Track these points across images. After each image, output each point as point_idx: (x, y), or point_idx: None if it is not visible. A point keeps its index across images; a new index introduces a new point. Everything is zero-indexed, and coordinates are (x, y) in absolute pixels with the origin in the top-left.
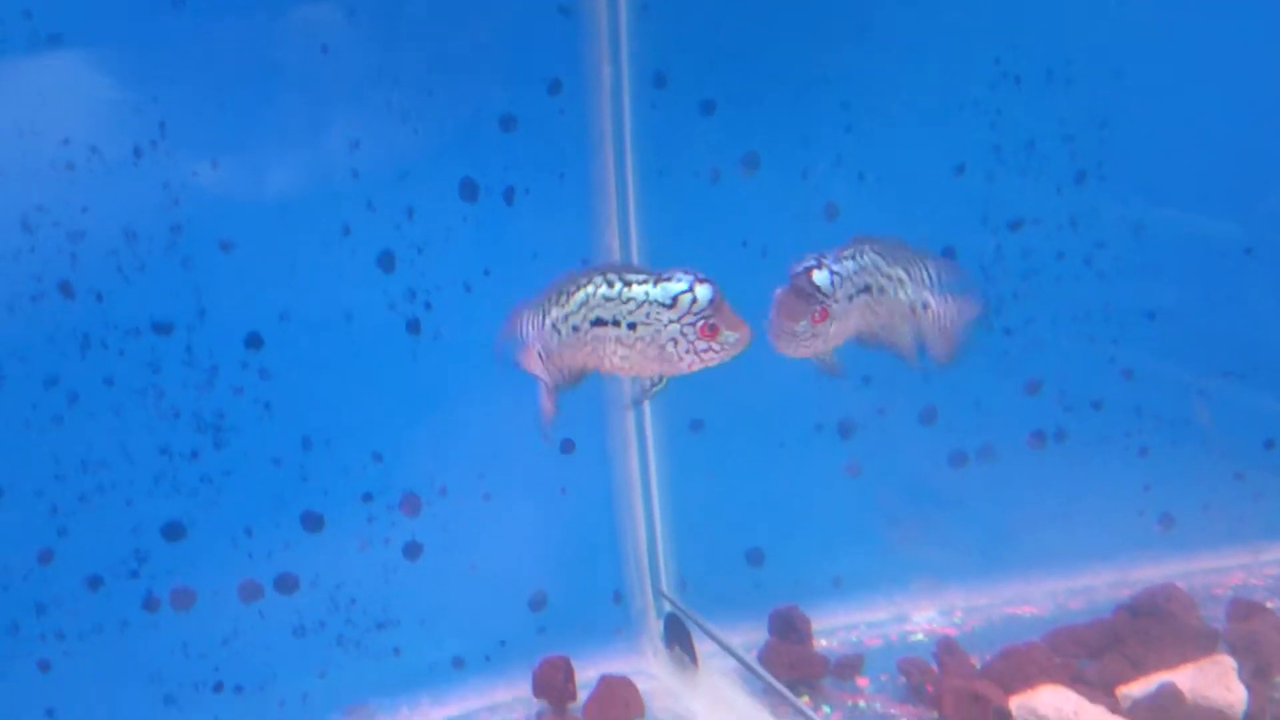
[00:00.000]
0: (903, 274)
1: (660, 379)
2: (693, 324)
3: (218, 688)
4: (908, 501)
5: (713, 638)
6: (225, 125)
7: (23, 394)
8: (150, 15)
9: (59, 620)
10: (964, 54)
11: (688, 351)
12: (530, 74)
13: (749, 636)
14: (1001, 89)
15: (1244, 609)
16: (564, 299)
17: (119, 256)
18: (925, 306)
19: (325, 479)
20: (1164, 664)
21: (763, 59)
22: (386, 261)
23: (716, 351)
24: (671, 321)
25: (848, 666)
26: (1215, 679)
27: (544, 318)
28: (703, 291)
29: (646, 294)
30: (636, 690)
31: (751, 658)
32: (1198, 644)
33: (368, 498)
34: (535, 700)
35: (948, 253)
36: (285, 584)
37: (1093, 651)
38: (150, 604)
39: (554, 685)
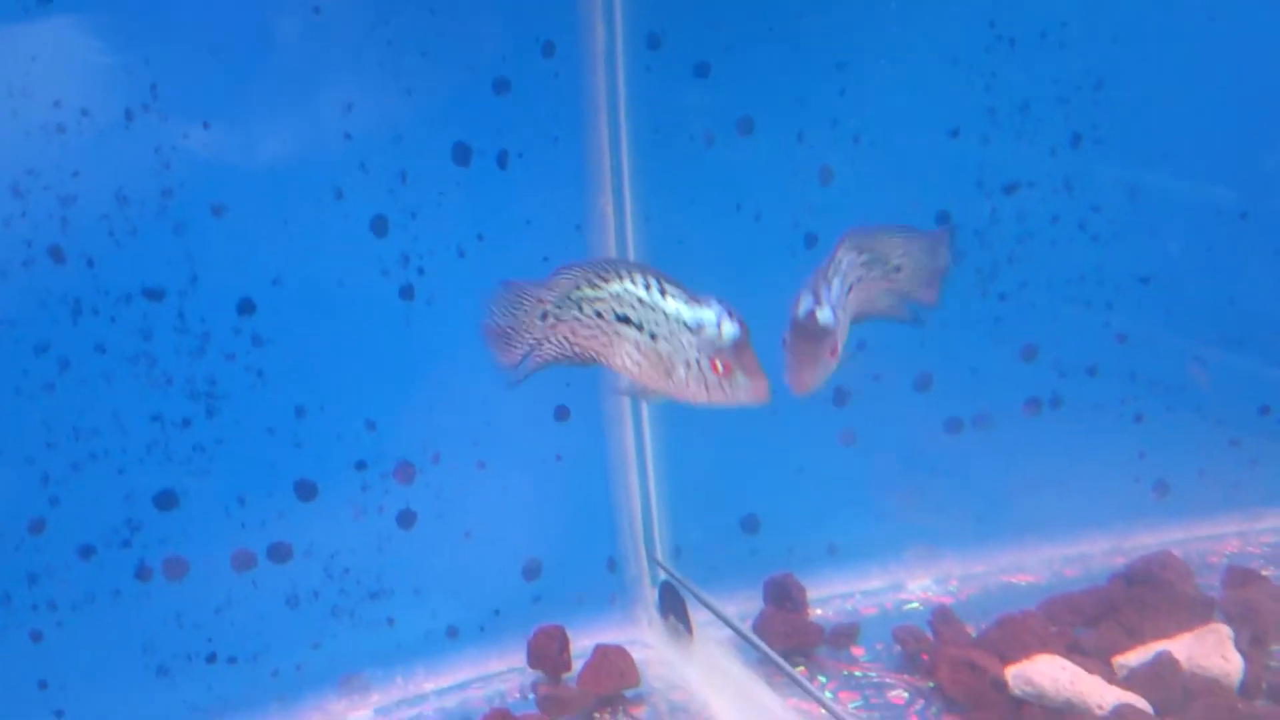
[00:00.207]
0: (870, 257)
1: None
2: (709, 355)
3: (211, 658)
4: (903, 469)
5: (708, 606)
6: (217, 88)
7: (13, 361)
8: None
9: (51, 590)
10: (959, 16)
11: (697, 380)
12: (524, 37)
13: (744, 605)
14: (996, 51)
15: (1240, 576)
16: (599, 281)
17: (110, 221)
18: (897, 270)
19: (318, 447)
20: (1160, 633)
21: (757, 21)
22: (380, 226)
23: (724, 391)
24: (690, 346)
25: (843, 635)
26: (1211, 647)
27: (575, 288)
28: (728, 328)
29: (677, 311)
30: (631, 659)
31: (746, 627)
32: (1194, 612)
33: (361, 466)
34: (530, 670)
35: (942, 217)
36: (278, 553)
37: (1088, 620)
38: (143, 573)
39: (549, 655)
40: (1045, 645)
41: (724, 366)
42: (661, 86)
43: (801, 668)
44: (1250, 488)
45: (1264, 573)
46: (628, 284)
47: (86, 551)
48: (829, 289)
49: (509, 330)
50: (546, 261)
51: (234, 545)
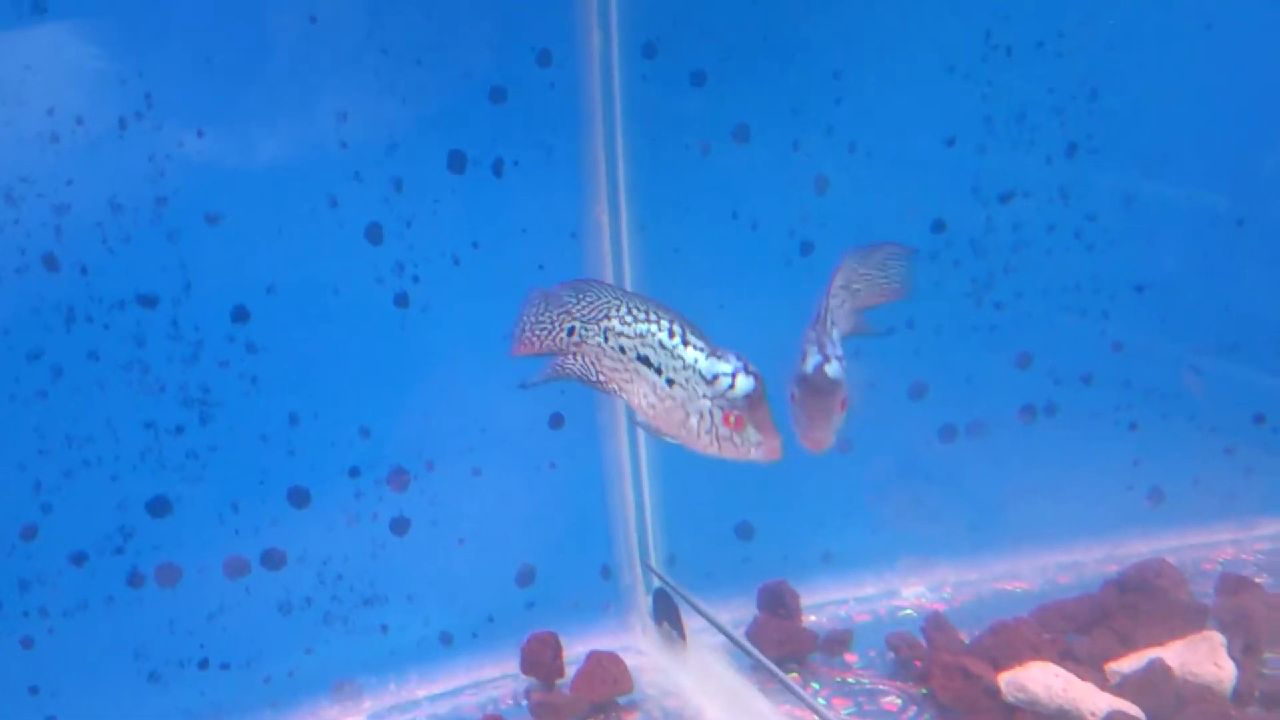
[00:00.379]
0: (843, 286)
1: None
2: (723, 407)
3: (203, 664)
4: (898, 477)
5: (701, 613)
6: (212, 97)
7: (6, 368)
8: None
9: (42, 597)
10: (955, 25)
11: (708, 431)
12: (520, 45)
13: (738, 612)
14: (993, 61)
15: (1233, 584)
16: (630, 318)
17: (104, 229)
18: (857, 292)
19: (312, 454)
20: (1153, 640)
21: (753, 30)
22: (374, 234)
23: (735, 445)
24: (704, 397)
25: (836, 642)
26: (1204, 655)
27: (604, 316)
28: (743, 382)
29: (695, 361)
30: (625, 666)
31: (740, 634)
32: (1187, 619)
33: (355, 473)
34: (523, 676)
35: (938, 225)
36: (272, 560)
37: (1081, 627)
38: (135, 580)
39: (542, 661)
40: (1038, 652)
41: (736, 421)
42: (657, 95)
43: (795, 674)
44: (1245, 496)
45: (1258, 580)
46: (653, 326)
47: (79, 558)
48: (832, 341)
49: (533, 337)
50: (541, 270)
51: (227, 552)
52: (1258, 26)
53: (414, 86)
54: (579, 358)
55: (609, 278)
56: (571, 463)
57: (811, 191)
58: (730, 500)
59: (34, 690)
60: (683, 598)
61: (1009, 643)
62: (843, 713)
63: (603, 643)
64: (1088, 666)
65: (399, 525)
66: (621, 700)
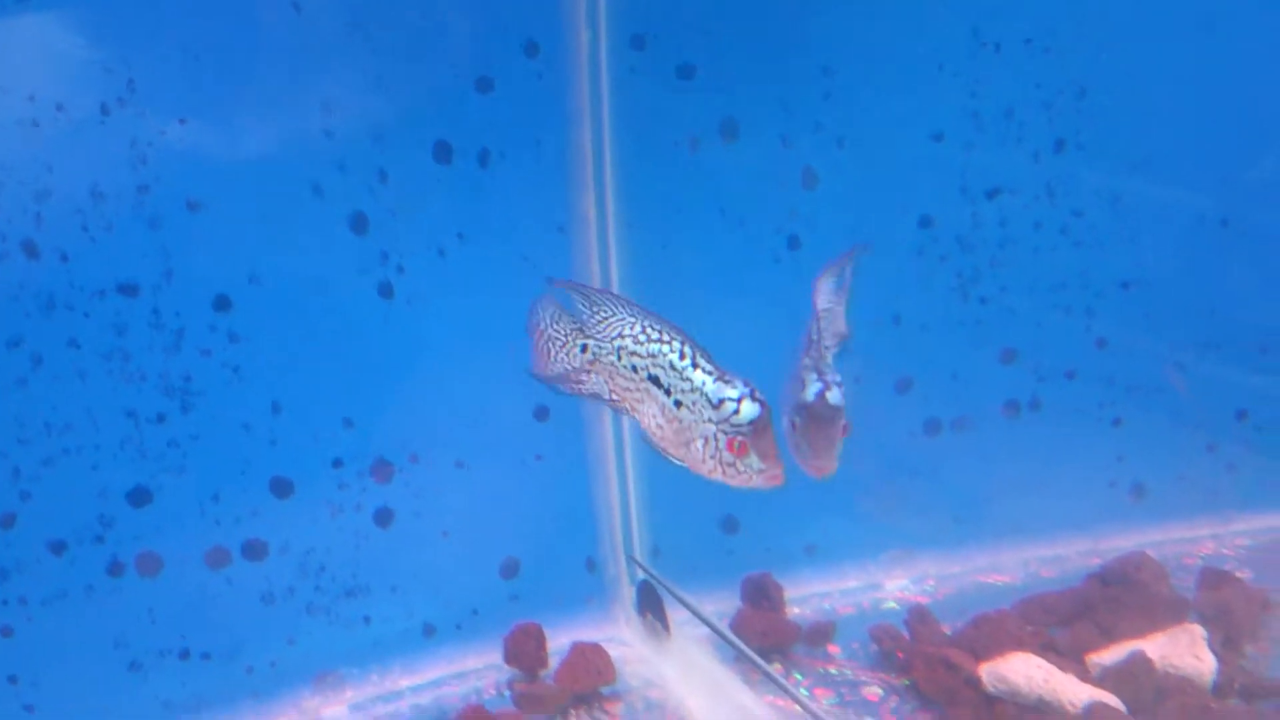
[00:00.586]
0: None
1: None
2: (727, 433)
3: (184, 654)
4: (882, 471)
5: (685, 605)
6: (195, 84)
7: None
8: None
9: (21, 586)
10: (943, 22)
11: (713, 456)
12: (507, 36)
13: (722, 605)
14: (981, 57)
15: (1215, 578)
16: (644, 336)
17: (85, 216)
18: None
19: (295, 444)
20: (1134, 632)
21: (742, 23)
22: (359, 224)
23: (739, 471)
24: (709, 421)
25: (820, 634)
26: (1185, 647)
27: (618, 335)
28: (747, 409)
29: (703, 384)
30: (608, 657)
31: (724, 625)
32: (1168, 612)
33: (338, 464)
34: (507, 667)
35: (925, 221)
36: (253, 550)
37: (1063, 619)
38: (115, 569)
39: (526, 652)
40: (1020, 644)
41: (740, 447)
42: (645, 88)
43: (778, 665)
44: (1227, 492)
45: (1239, 575)
46: (665, 347)
47: (58, 547)
48: (829, 366)
49: (548, 347)
50: (527, 262)
51: (208, 542)
52: (1248, 26)
53: (399, 76)
54: (593, 376)
55: (596, 273)
56: (557, 455)
57: (799, 187)
58: (714, 493)
59: (13, 679)
60: (667, 590)
61: (991, 634)
62: (825, 703)
63: (587, 634)
64: (1069, 658)
65: (382, 516)
66: (605, 691)
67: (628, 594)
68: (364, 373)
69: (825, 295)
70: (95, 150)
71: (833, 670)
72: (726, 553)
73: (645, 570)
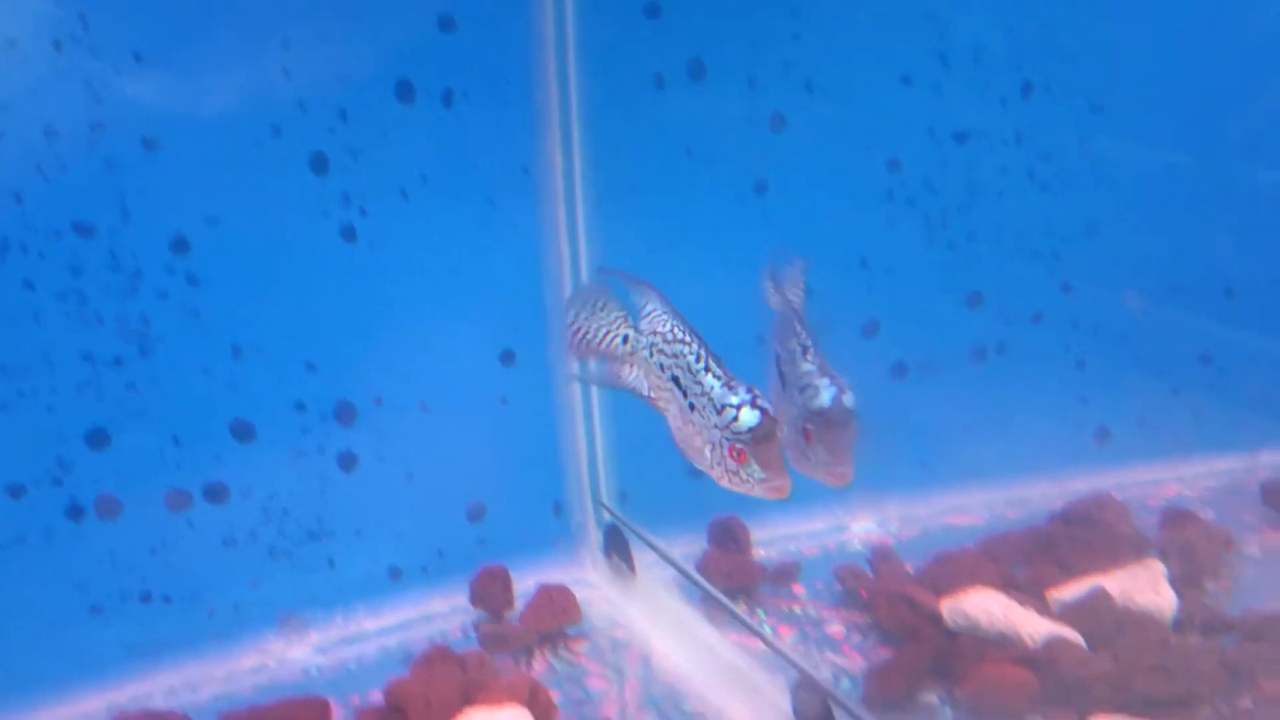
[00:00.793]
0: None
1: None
2: (728, 440)
3: (145, 597)
4: None
5: (652, 547)
6: (150, 20)
7: None
8: None
9: None
10: None
11: (718, 463)
12: None
13: (689, 548)
14: None
15: (1177, 517)
16: (671, 335)
17: (39, 156)
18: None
19: (256, 388)
20: (1095, 569)
21: None
22: (319, 165)
23: (742, 480)
24: (715, 427)
25: (785, 574)
26: (1145, 584)
27: (653, 331)
28: (746, 416)
29: (711, 389)
30: (574, 597)
31: (690, 566)
32: (1129, 550)
33: (301, 407)
34: (473, 610)
35: (893, 164)
36: (215, 494)
37: (1025, 557)
38: (74, 513)
39: (492, 594)
40: (981, 581)
41: (739, 455)
42: (611, 27)
43: (743, 605)
44: (1190, 435)
45: (1201, 515)
46: (685, 348)
47: (16, 490)
48: (818, 356)
49: (592, 333)
50: (492, 205)
51: (169, 485)
52: None
53: (360, 13)
54: (633, 370)
55: (561, 215)
56: (523, 399)
57: (767, 129)
58: None
59: None
60: (634, 533)
61: (953, 572)
62: (788, 640)
63: (553, 577)
64: (1029, 594)
65: (346, 460)
66: (570, 630)
67: (594, 537)
68: (326, 316)
69: (787, 295)
70: (48, 87)
71: (796, 609)
72: (693, 496)
73: (612, 513)
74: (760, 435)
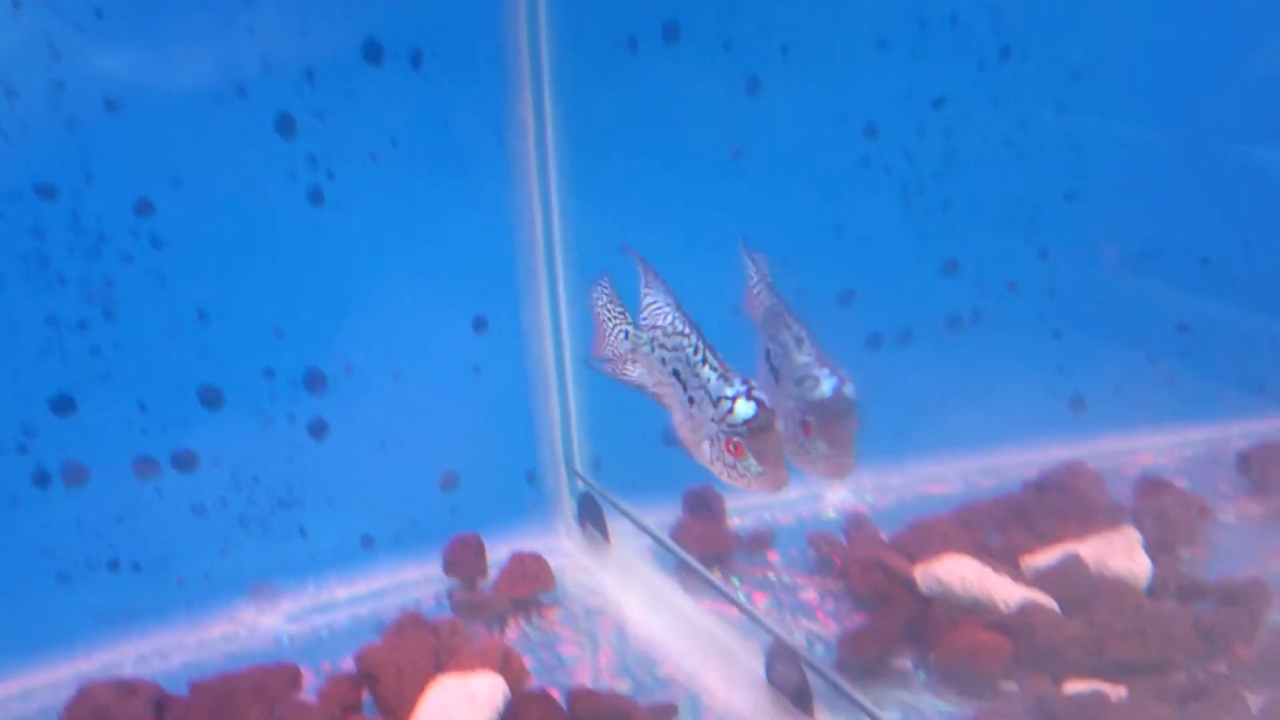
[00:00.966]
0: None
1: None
2: (724, 433)
3: (114, 565)
4: None
5: (626, 515)
6: None
7: None
8: None
9: None
10: None
11: (717, 459)
12: None
13: (663, 516)
14: None
15: (1152, 485)
16: (672, 329)
17: None
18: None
19: (224, 354)
20: (1069, 537)
21: None
22: (285, 126)
23: (740, 474)
24: (713, 420)
25: (759, 542)
26: (1120, 550)
27: (654, 325)
28: (742, 408)
29: (707, 381)
30: (547, 565)
31: (664, 534)
32: (1104, 518)
33: (269, 374)
34: (446, 578)
35: (870, 131)
36: (183, 461)
37: (999, 525)
38: (40, 479)
39: (465, 563)
40: (955, 548)
41: (736, 448)
42: None
43: (717, 573)
44: (1166, 404)
45: (1176, 483)
46: (684, 340)
47: None
48: (815, 347)
49: (601, 329)
50: (463, 168)
51: (136, 452)
52: None
53: None
54: (638, 366)
55: (534, 178)
56: (495, 367)
57: (743, 93)
58: (655, 406)
59: None
60: (608, 501)
61: (927, 539)
62: (762, 607)
63: (527, 545)
64: (1003, 561)
65: (316, 428)
66: (544, 598)
67: (568, 506)
68: (294, 281)
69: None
70: (7, 45)
71: (771, 576)
72: (668, 465)
73: (586, 482)
74: (756, 427)
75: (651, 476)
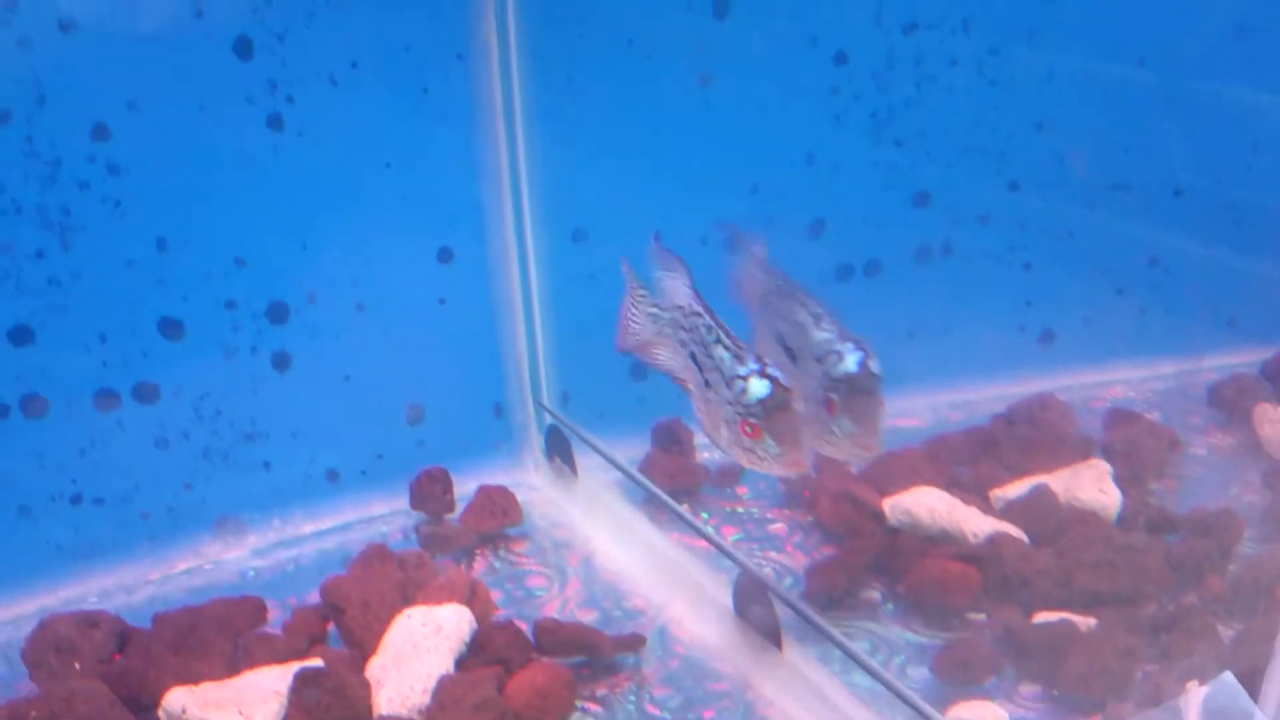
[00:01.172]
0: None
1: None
2: (740, 415)
3: (76, 499)
4: None
5: (594, 448)
6: None
7: None
8: None
9: None
10: None
11: (734, 443)
12: None
13: (632, 451)
14: None
15: (1122, 417)
16: (689, 308)
17: None
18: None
19: (184, 284)
20: (1039, 469)
21: None
22: (243, 48)
23: (759, 457)
24: (729, 402)
25: (728, 476)
26: (1090, 482)
27: (676, 305)
28: (756, 386)
29: (721, 361)
30: (515, 499)
31: (633, 468)
32: (1073, 450)
33: (231, 305)
34: (413, 512)
35: (840, 57)
36: (144, 393)
37: (968, 457)
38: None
39: (432, 497)
40: (924, 480)
41: (753, 430)
42: None
43: (686, 506)
44: (1135, 337)
45: (1147, 416)
46: (700, 321)
47: None
48: (836, 323)
49: (627, 314)
50: (426, 94)
51: (96, 384)
52: None
53: None
54: (665, 350)
55: (498, 105)
56: (461, 299)
57: (711, 16)
58: None
59: None
60: (576, 435)
61: (895, 471)
62: (731, 540)
63: (495, 479)
64: (973, 493)
65: (280, 360)
66: (511, 531)
67: (536, 439)
68: (255, 210)
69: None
70: None
71: (739, 509)
72: (637, 400)
73: (554, 415)
74: (772, 406)
75: (620, 410)
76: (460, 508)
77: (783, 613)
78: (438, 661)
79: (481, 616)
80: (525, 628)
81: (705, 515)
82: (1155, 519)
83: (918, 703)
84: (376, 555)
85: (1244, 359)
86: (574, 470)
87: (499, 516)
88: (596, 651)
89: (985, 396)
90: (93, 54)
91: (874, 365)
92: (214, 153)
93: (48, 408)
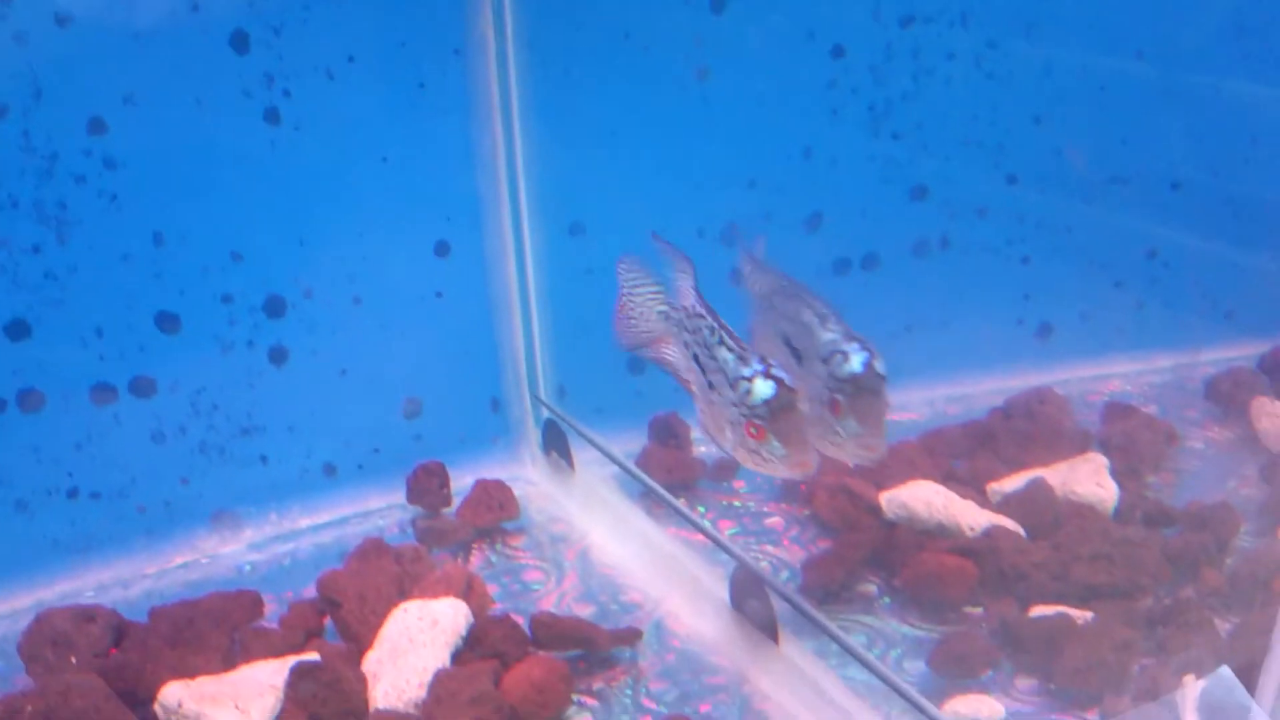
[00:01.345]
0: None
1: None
2: (744, 416)
3: (72, 493)
4: None
5: (591, 442)
6: None
7: None
8: None
9: None
10: None
11: (740, 444)
12: None
13: (628, 445)
14: None
15: (1119, 411)
16: (693, 309)
17: None
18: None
19: (181, 278)
20: (1036, 462)
21: None
22: (240, 42)
23: (764, 459)
24: (733, 404)
25: (724, 470)
26: (1087, 475)
27: (681, 306)
28: (760, 387)
29: (725, 362)
30: (511, 493)
31: (629, 462)
32: (1070, 443)
33: (227, 299)
34: (410, 506)
35: (837, 50)
36: (141, 387)
37: (965, 451)
38: None
39: (429, 490)
40: (921, 474)
41: (758, 431)
42: None
43: (683, 500)
44: (1133, 330)
45: (1144, 409)
46: (703, 324)
47: None
48: (842, 323)
49: (630, 310)
50: (423, 88)
51: (93, 378)
52: None
53: None
54: (673, 349)
55: (495, 99)
56: (458, 293)
57: (708, 10)
58: None
59: None
60: (573, 428)
61: (892, 465)
62: (727, 533)
63: (491, 473)
64: (969, 487)
65: (277, 354)
66: (508, 525)
67: (533, 434)
68: (252, 204)
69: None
70: None
71: (736, 503)
72: (634, 394)
73: (550, 409)
74: (777, 407)
75: (617, 404)
76: (457, 502)
77: (779, 606)
78: (434, 655)
79: (478, 610)
80: (522, 621)
81: (702, 509)
82: (1152, 512)
83: (914, 696)
84: (373, 549)
85: (1241, 352)
86: (571, 464)
87: (496, 511)
88: (593, 645)
89: (982, 390)
90: (89, 48)
91: (879, 366)
92: (210, 147)
93: (44, 402)
